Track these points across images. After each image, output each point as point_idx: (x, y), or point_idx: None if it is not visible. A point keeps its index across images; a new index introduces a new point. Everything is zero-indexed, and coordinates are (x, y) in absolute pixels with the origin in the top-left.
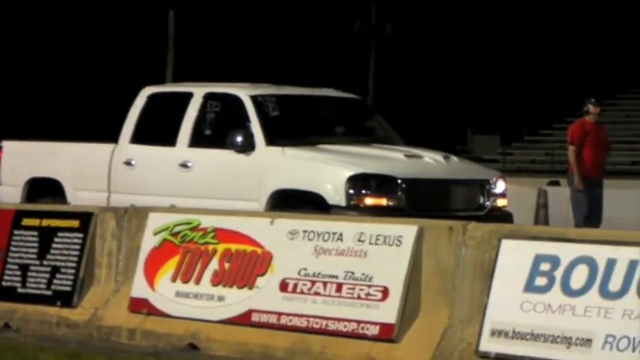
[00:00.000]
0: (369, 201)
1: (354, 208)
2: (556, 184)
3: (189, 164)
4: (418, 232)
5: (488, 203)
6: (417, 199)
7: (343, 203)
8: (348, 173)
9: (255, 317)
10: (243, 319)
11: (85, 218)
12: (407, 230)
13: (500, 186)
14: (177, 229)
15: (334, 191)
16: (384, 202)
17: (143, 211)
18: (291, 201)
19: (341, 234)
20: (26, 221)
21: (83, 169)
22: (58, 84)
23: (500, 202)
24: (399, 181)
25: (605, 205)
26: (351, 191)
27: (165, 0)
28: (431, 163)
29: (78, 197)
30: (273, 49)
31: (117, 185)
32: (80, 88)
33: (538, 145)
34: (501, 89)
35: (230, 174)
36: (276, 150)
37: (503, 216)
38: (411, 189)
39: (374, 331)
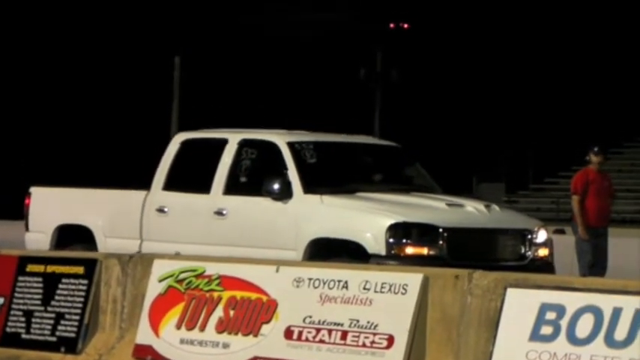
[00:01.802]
0: (410, 250)
1: (394, 258)
2: (561, 232)
3: (224, 212)
4: (423, 281)
5: (529, 253)
6: (459, 249)
7: (383, 252)
8: (389, 222)
9: None
10: None
11: (90, 264)
12: (412, 278)
13: (541, 235)
14: (182, 276)
15: (374, 240)
16: (425, 251)
17: (148, 258)
18: (329, 250)
19: (346, 282)
20: (31, 267)
21: (115, 216)
22: (65, 130)
23: (542, 252)
24: (441, 230)
25: (611, 253)
26: (392, 240)
27: (171, 46)
28: (473, 212)
29: (109, 245)
30: (279, 96)
31: (149, 233)
32: (86, 134)
33: (543, 193)
34: (507, 137)
35: (266, 222)
36: (314, 198)
37: (544, 266)
38: (452, 238)
39: None
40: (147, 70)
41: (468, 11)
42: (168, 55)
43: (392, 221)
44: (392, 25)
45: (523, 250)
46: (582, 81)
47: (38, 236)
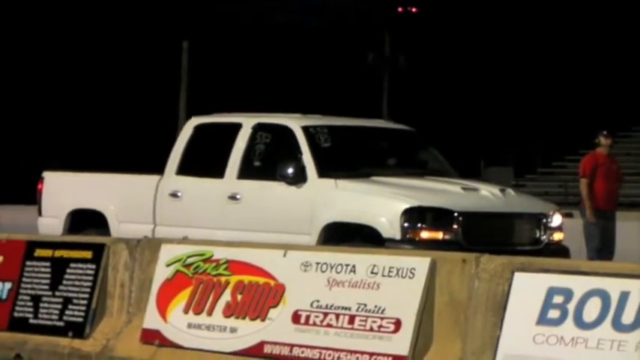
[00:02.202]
0: (425, 235)
1: (409, 242)
2: (569, 216)
3: (238, 196)
4: (431, 265)
5: (544, 237)
6: (474, 233)
7: (398, 237)
8: (404, 206)
9: (267, 349)
10: (256, 351)
11: (98, 249)
12: (420, 262)
13: (556, 220)
14: (189, 260)
15: (389, 224)
16: (440, 235)
17: (155, 243)
18: (344, 234)
19: (354, 266)
20: (39, 252)
21: (128, 200)
22: (75, 116)
23: (557, 236)
24: (456, 214)
25: (618, 237)
26: (407, 224)
27: (179, 31)
28: (488, 196)
29: (122, 229)
30: (287, 80)
31: (162, 217)
32: (96, 119)
33: (551, 177)
34: (514, 121)
35: (281, 206)
36: (328, 182)
37: (559, 250)
38: (468, 223)
39: None
40: (155, 55)
41: None
42: (176, 40)
43: (407, 205)
44: (400, 10)
45: (538, 235)
46: (590, 65)
47: (51, 221)
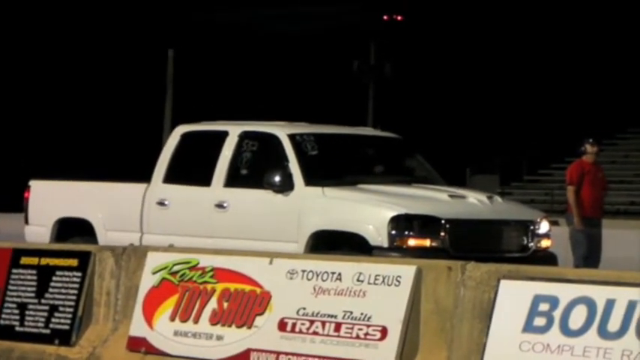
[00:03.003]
0: (412, 242)
1: (396, 250)
2: (555, 223)
3: (225, 204)
4: (417, 272)
5: (532, 244)
6: (462, 241)
7: (386, 244)
8: (391, 214)
9: (253, 356)
10: (242, 359)
11: (84, 257)
12: (405, 270)
13: (544, 226)
14: (175, 268)
15: (376, 232)
16: (427, 243)
17: (141, 251)
18: (331, 242)
19: (340, 274)
20: (25, 260)
21: (115, 209)
22: (60, 124)
23: (545, 243)
24: (443, 221)
25: (604, 245)
26: (394, 232)
27: (165, 40)
28: (475, 203)
29: (109, 238)
30: (273, 88)
31: (150, 226)
32: (81, 127)
33: (537, 184)
34: (500, 129)
35: (268, 214)
36: (315, 190)
37: (547, 257)
38: (455, 230)
39: None
40: (140, 64)
41: (461, 3)
42: (161, 48)
43: (394, 213)
44: (386, 18)
45: (526, 242)
46: (575, 73)
47: (38, 229)
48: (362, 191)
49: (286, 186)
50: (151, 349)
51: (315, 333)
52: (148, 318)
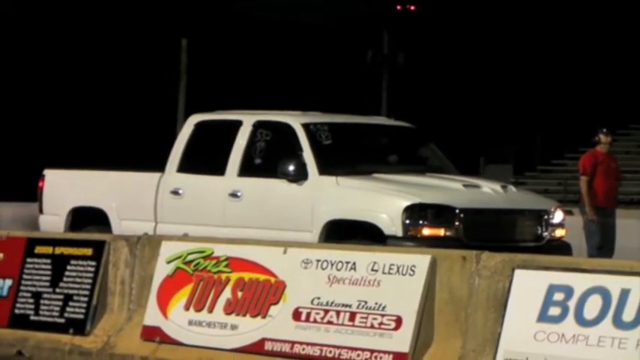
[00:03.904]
0: (427, 231)
1: (410, 239)
2: (569, 213)
3: (238, 194)
4: (431, 262)
5: (546, 234)
6: (475, 230)
7: (400, 234)
8: (406, 203)
9: (268, 346)
10: (256, 348)
11: (98, 246)
12: (420, 260)
13: (558, 216)
14: (190, 257)
15: (390, 221)
16: (441, 232)
17: (156, 240)
18: (345, 231)
19: (354, 263)
20: (39, 249)
21: (129, 198)
22: (73, 114)
23: (559, 233)
24: (457, 211)
25: (618, 234)
26: (408, 221)
27: (178, 28)
28: (489, 192)
29: (124, 227)
30: (286, 78)
31: (164, 215)
32: (95, 117)
33: (551, 174)
34: (514, 119)
35: (282, 204)
36: (329, 179)
37: (561, 247)
38: (469, 219)
39: None
40: (154, 53)
41: None
42: (175, 38)
43: (408, 202)
44: (399, 8)
45: (540, 231)
46: (588, 62)
47: (52, 219)
48: (376, 180)
49: (300, 175)
50: (166, 339)
51: (330, 322)
52: (163, 307)
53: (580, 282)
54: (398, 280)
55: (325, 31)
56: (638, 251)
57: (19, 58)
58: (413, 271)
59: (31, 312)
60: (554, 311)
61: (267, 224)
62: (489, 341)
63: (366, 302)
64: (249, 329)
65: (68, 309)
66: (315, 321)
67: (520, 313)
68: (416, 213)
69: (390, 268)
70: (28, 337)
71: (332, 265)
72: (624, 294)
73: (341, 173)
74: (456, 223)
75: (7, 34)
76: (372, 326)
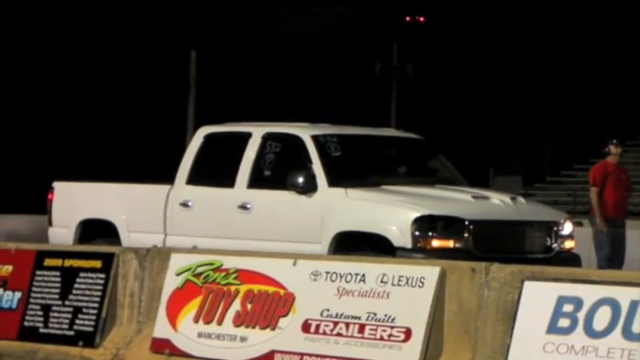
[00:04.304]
0: (436, 243)
1: (420, 251)
2: (579, 225)
3: (248, 206)
4: (441, 274)
5: (555, 245)
6: (485, 241)
7: (409, 245)
8: (415, 215)
9: (277, 358)
10: None
11: (107, 258)
12: (429, 271)
13: (567, 227)
14: (199, 269)
15: (400, 233)
16: (451, 244)
17: (165, 252)
18: (354, 243)
19: (363, 275)
20: (48, 261)
21: (138, 210)
22: (82, 126)
23: (568, 244)
24: (467, 222)
25: (628, 246)
26: (417, 233)
27: (187, 40)
28: (498, 204)
29: (133, 239)
30: (295, 89)
31: (173, 227)
32: (104, 129)
33: (560, 185)
34: (523, 130)
35: (291, 216)
36: (338, 191)
37: (571, 258)
38: (478, 231)
39: None
40: (163, 65)
41: (484, 4)
42: (184, 50)
43: (417, 214)
44: (408, 19)
45: (549, 243)
46: (598, 73)
47: (62, 231)
48: (385, 192)
49: (309, 187)
50: (175, 351)
51: (339, 334)
52: (172, 319)
53: (589, 293)
54: (407, 292)
55: (334, 42)
56: None
57: (28, 70)
58: (422, 282)
59: (41, 324)
60: (564, 323)
61: (277, 236)
62: (498, 353)
63: (375, 314)
64: (258, 341)
65: (77, 321)
66: (324, 333)
67: (529, 324)
68: (425, 225)
69: (399, 280)
70: (38, 350)
71: (341, 276)
72: (634, 305)
73: (350, 185)
74: (465, 235)
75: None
76: (381, 338)
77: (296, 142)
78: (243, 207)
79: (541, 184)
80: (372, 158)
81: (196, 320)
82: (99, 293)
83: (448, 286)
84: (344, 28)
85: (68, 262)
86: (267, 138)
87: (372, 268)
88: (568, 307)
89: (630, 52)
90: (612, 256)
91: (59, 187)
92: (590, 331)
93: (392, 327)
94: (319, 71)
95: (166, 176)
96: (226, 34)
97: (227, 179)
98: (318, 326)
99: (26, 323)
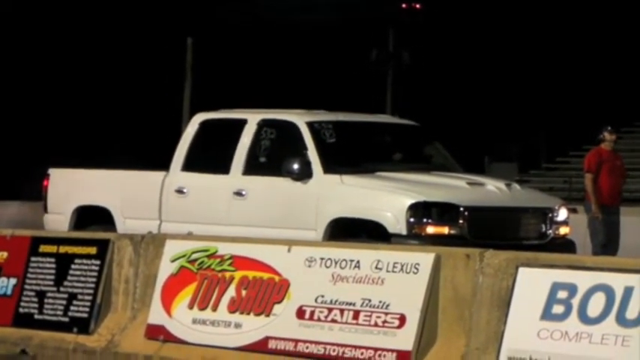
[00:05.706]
0: (431, 230)
1: (415, 237)
2: (574, 211)
3: (243, 192)
4: (435, 260)
5: (550, 232)
6: (480, 228)
7: (404, 232)
8: (410, 201)
9: (272, 344)
10: (260, 346)
11: (102, 245)
12: (424, 258)
13: (562, 214)
14: (194, 256)
15: (395, 220)
16: (445, 230)
17: (160, 239)
18: (349, 230)
19: (358, 261)
20: (43, 248)
21: (133, 197)
22: (77, 113)
23: (563, 231)
24: (462, 209)
25: (623, 232)
26: (412, 220)
27: (183, 28)
28: (493, 190)
29: (128, 225)
30: (291, 76)
31: (168, 213)
32: (99, 116)
33: (555, 172)
34: (518, 117)
35: (286, 202)
36: (334, 178)
37: (566, 244)
38: (473, 217)
39: (391, 358)
40: (159, 52)
41: None
42: (180, 37)
43: (412, 200)
44: (404, 6)
45: (544, 229)
46: (593, 60)
47: (57, 217)
48: (380, 179)
49: (305, 174)
50: (170, 337)
51: (334, 321)
52: (167, 306)
53: (584, 280)
54: (402, 279)
55: (330, 29)
56: None
57: (25, 58)
58: (417, 269)
59: (35, 311)
60: (558, 309)
61: (272, 223)
62: (493, 339)
63: (369, 300)
64: (253, 328)
65: (72, 308)
66: (318, 319)
67: (524, 311)
68: (420, 211)
69: (393, 267)
70: (32, 336)
71: (336, 263)
72: (628, 292)
73: (345, 172)
74: (460, 221)
75: (7, 34)
76: (375, 324)
77: (291, 128)
78: (239, 193)
79: (536, 170)
80: (368, 145)
81: (191, 307)
82: (94, 280)
83: (443, 273)
84: (340, 15)
85: (63, 249)
86: (263, 125)
87: (367, 255)
88: (562, 294)
89: (625, 40)
90: (607, 243)
91: (54, 173)
92: (584, 318)
93: (386, 313)
94: (315, 58)
95: (162, 162)
96: (222, 21)
97: (222, 166)
98: (312, 312)
99: (21, 309)
